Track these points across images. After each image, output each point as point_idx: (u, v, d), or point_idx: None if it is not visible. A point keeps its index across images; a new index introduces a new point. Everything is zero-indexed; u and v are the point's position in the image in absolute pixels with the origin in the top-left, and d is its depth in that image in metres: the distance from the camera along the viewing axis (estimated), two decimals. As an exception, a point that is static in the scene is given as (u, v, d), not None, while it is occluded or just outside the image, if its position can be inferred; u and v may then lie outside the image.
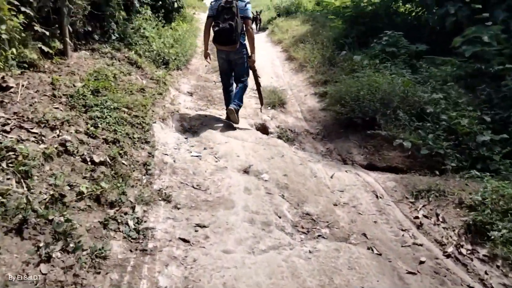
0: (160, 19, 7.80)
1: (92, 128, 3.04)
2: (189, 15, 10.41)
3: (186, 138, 4.04)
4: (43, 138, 2.57)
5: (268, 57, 8.34)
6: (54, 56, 4.07)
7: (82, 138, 2.88)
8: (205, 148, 3.87)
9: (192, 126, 4.35)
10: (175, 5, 9.27)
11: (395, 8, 7.51)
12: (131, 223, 2.29)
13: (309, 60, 7.05)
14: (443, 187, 3.08)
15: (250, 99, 5.84)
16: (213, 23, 4.13)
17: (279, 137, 4.71)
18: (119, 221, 2.27)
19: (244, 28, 4.17)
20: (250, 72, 4.60)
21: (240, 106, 4.49)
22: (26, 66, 3.46)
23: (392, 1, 7.46)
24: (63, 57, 4.25)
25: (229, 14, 3.98)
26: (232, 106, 4.33)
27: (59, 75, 3.72)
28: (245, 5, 4.13)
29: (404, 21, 7.38)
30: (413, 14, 7.73)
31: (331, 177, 3.50)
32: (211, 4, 4.22)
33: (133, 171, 2.99)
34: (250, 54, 4.34)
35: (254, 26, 10.77)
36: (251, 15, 4.30)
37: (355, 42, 6.70)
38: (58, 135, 2.72)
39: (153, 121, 3.99)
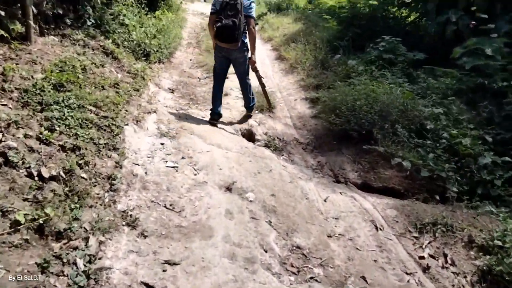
0: (143, 6, 7.23)
1: (46, 132, 2.53)
2: (175, 4, 9.82)
3: (162, 144, 3.57)
4: (-23, 145, 2.06)
5: (257, 55, 7.87)
6: (13, 40, 3.51)
7: (32, 144, 2.38)
8: (183, 157, 3.41)
9: (170, 130, 3.87)
10: (161, -8, 8.69)
11: (392, 13, 7.16)
12: (80, 262, 1.82)
13: (300, 62, 6.63)
14: (451, 221, 2.73)
15: (236, 100, 5.40)
16: (216, 19, 3.99)
17: (266, 146, 4.29)
18: (65, 260, 1.79)
19: (246, 27, 4.05)
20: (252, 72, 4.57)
21: (253, 107, 4.82)
22: (-27, 51, 2.92)
23: (388, 4, 7.11)
24: (24, 42, 3.69)
25: (232, 10, 3.87)
26: (249, 112, 4.81)
27: (16, 64, 3.18)
28: (250, 4, 4.02)
29: (401, 26, 7.06)
30: (409, 19, 7.42)
31: (325, 201, 3.10)
32: None
33: (94, 186, 2.50)
34: (250, 55, 4.27)
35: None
36: (255, 15, 4.21)
37: (350, 45, 6.32)
38: (0, 141, 2.21)
39: (125, 122, 3.49)
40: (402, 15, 7.35)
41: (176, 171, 3.17)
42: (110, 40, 5.33)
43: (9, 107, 2.56)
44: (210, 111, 4.45)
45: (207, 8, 13.95)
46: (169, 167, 3.21)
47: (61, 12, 4.67)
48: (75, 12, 5.11)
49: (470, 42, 5.02)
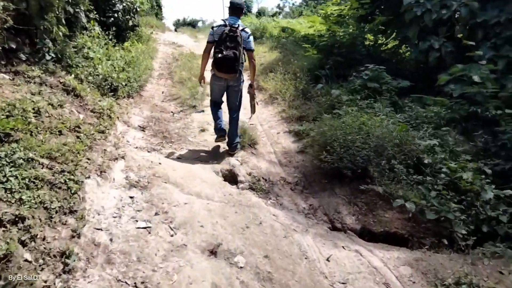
0: (110, 37, 6.78)
1: (-23, 203, 1.98)
2: (145, 35, 9.42)
3: (131, 197, 3.05)
4: None
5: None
6: None
7: (-44, 223, 1.83)
8: (157, 213, 2.90)
9: (141, 178, 3.35)
10: (130, 23, 8.28)
11: (372, 40, 7.03)
12: None
13: (280, 92, 6.31)
14: (476, 278, 2.35)
15: (215, 137, 4.94)
16: (215, 49, 4.01)
17: (251, 188, 3.85)
18: None
19: (248, 60, 4.20)
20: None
21: (237, 145, 4.50)
22: None
23: (366, 32, 6.97)
24: (-37, 84, 3.14)
25: (233, 42, 3.93)
26: (232, 151, 4.43)
27: None
28: (248, 37, 4.09)
29: (379, 54, 6.93)
30: (384, 47, 7.34)
31: (328, 260, 2.65)
32: (213, 29, 4.10)
33: (42, 270, 1.95)
34: (251, 83, 4.46)
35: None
36: (254, 47, 4.27)
37: (332, 74, 6.07)
38: None
39: (86, 175, 2.96)
40: (379, 42, 7.25)
41: (149, 232, 2.66)
42: (73, 76, 4.80)
43: None
44: (215, 130, 4.48)
45: (178, 38, 13.68)
46: (140, 228, 2.69)
47: (14, 46, 4.14)
48: (32, 45, 4.58)
49: (455, 69, 4.86)
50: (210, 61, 4.24)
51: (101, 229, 2.51)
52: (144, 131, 4.81)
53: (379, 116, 4.33)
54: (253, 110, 4.93)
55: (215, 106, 4.48)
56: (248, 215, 3.11)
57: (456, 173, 3.57)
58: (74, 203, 2.56)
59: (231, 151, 4.47)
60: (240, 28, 4.03)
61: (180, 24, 25.16)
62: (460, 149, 3.96)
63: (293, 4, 24.86)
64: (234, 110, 4.45)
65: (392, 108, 5.01)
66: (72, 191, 2.64)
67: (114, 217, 2.71)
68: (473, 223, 3.24)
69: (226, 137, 4.47)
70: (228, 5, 4.33)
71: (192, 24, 24.81)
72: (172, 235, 2.67)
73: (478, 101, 4.55)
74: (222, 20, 4.14)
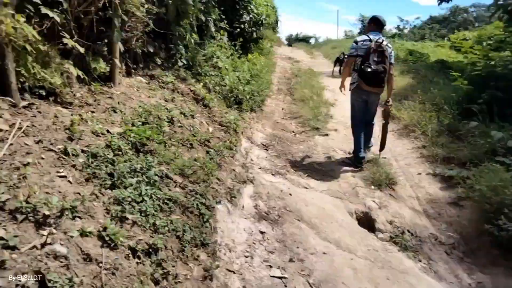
0: (236, 48, 6.66)
1: (113, 227, 1.63)
2: (266, 48, 9.29)
3: (262, 232, 2.56)
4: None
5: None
6: (93, 81, 2.82)
7: (90, 249, 1.48)
8: (291, 260, 2.35)
9: (271, 210, 2.86)
10: (254, 35, 8.20)
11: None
12: None
13: (418, 124, 5.39)
14: None
15: (345, 167, 4.30)
16: (362, 64, 3.98)
17: (394, 242, 3.08)
18: None
19: (387, 74, 4.09)
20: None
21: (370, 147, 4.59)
22: (44, 94, 2.20)
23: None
24: (107, 83, 3.02)
25: (380, 57, 3.93)
26: (364, 155, 4.32)
27: (92, 112, 2.44)
28: (391, 51, 4.13)
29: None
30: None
31: None
32: (357, 43, 4.11)
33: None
34: (388, 99, 4.31)
35: (337, 68, 9.32)
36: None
37: (492, 111, 4.93)
38: (45, 244, 1.34)
39: (217, 199, 2.56)
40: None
41: (285, 286, 2.11)
42: (201, 84, 4.65)
43: (69, 181, 1.72)
44: (354, 156, 4.38)
45: (294, 53, 13.52)
46: (275, 277, 2.16)
47: (151, 50, 4.08)
48: (167, 50, 4.55)
49: None
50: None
51: (234, 272, 2.04)
52: (267, 150, 4.39)
53: None
54: (382, 145, 4.45)
55: (359, 128, 4.35)
56: (404, 287, 2.36)
57: None
58: (206, 233, 2.14)
59: (364, 155, 4.34)
60: (385, 43, 4.02)
61: (293, 39, 25.33)
62: None
63: (414, 26, 23.04)
64: (372, 119, 4.50)
65: None
66: (204, 219, 2.23)
67: (246, 257, 2.23)
68: None
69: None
70: (369, 20, 4.42)
71: (305, 40, 24.77)
72: (312, 296, 2.07)
73: None
74: (365, 35, 4.17)
